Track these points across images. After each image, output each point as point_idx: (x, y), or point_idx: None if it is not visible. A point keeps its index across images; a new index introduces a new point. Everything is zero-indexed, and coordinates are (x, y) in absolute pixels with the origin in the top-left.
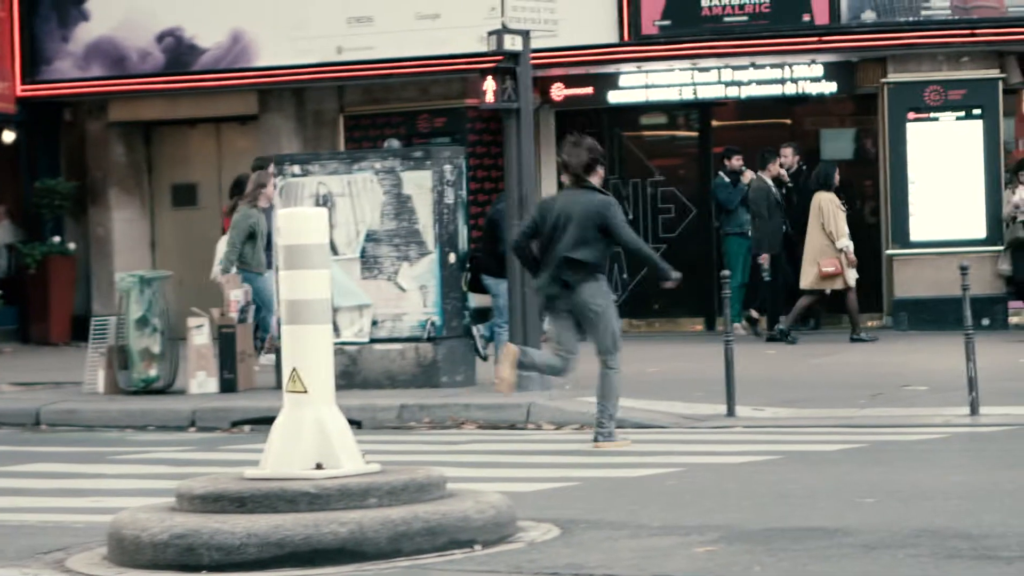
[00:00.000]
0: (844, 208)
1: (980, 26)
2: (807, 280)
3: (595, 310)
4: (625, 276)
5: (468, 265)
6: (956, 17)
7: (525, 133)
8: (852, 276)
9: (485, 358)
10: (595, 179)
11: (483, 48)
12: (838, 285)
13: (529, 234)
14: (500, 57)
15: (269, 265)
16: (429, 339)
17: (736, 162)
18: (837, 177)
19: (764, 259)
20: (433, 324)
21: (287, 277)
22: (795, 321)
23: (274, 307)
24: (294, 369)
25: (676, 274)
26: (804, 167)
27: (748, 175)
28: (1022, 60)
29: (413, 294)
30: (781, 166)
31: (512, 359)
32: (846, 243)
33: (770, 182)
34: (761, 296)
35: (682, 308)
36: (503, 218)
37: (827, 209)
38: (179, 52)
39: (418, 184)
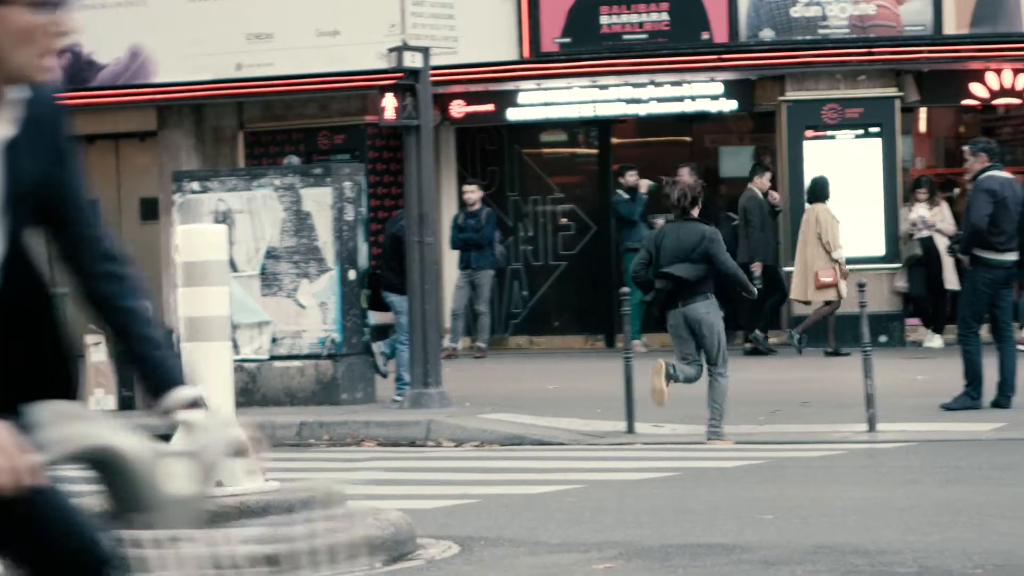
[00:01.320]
0: (838, 219)
1: (877, 45)
2: (801, 291)
3: (707, 324)
4: (525, 293)
5: (368, 282)
6: (854, 36)
7: (425, 150)
8: (844, 288)
9: (385, 375)
10: (695, 211)
11: (383, 65)
12: (832, 296)
13: (646, 263)
14: (400, 74)
15: None
16: (329, 356)
17: (631, 178)
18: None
19: (756, 267)
20: (333, 341)
21: (186, 294)
22: (808, 327)
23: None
24: None
25: (754, 290)
26: (704, 185)
27: (644, 185)
28: (919, 78)
29: (313, 311)
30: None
31: (661, 371)
32: (843, 254)
33: (760, 193)
34: (764, 312)
35: (582, 325)
36: (405, 234)
37: (824, 220)
38: (77, 68)
39: (318, 201)
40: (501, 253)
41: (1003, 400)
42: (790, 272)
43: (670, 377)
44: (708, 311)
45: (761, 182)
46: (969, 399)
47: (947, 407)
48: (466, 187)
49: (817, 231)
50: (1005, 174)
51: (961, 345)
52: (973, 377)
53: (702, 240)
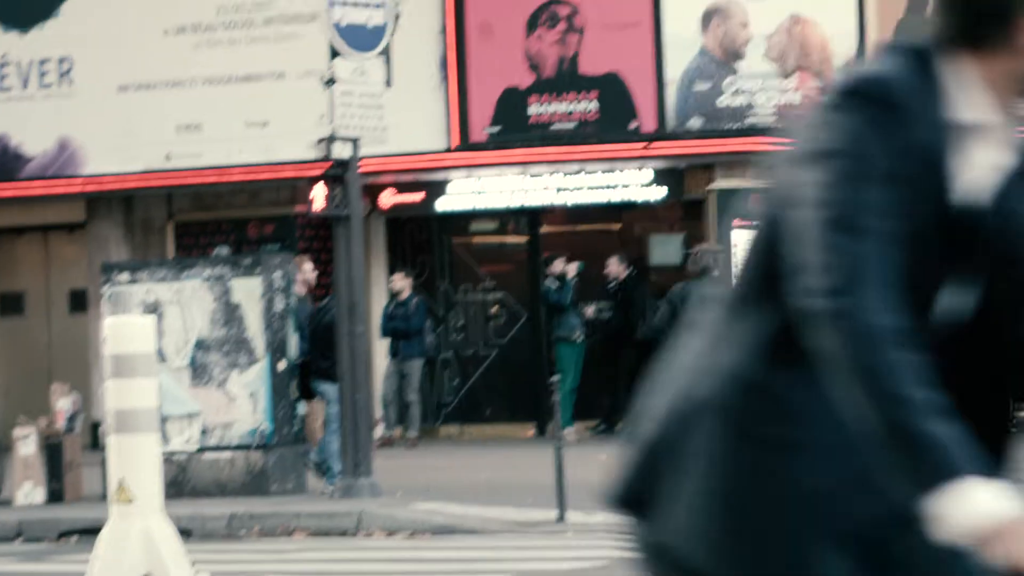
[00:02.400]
0: None
1: None
2: None
3: None
4: (456, 382)
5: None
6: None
7: (355, 240)
8: None
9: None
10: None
11: (313, 155)
12: None
13: (671, 316)
14: (329, 164)
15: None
16: (259, 447)
17: (558, 266)
18: None
19: None
20: (263, 432)
21: (114, 386)
22: None
23: None
24: (121, 479)
25: None
26: (634, 273)
27: (573, 268)
28: None
29: (243, 402)
30: (607, 276)
31: None
32: None
33: None
34: None
35: (513, 413)
36: (336, 322)
37: None
38: (5, 160)
39: (248, 292)
40: (431, 342)
41: None
42: None
43: None
44: None
45: None
46: None
47: None
48: (393, 277)
49: None
50: None
51: None
52: None
53: None
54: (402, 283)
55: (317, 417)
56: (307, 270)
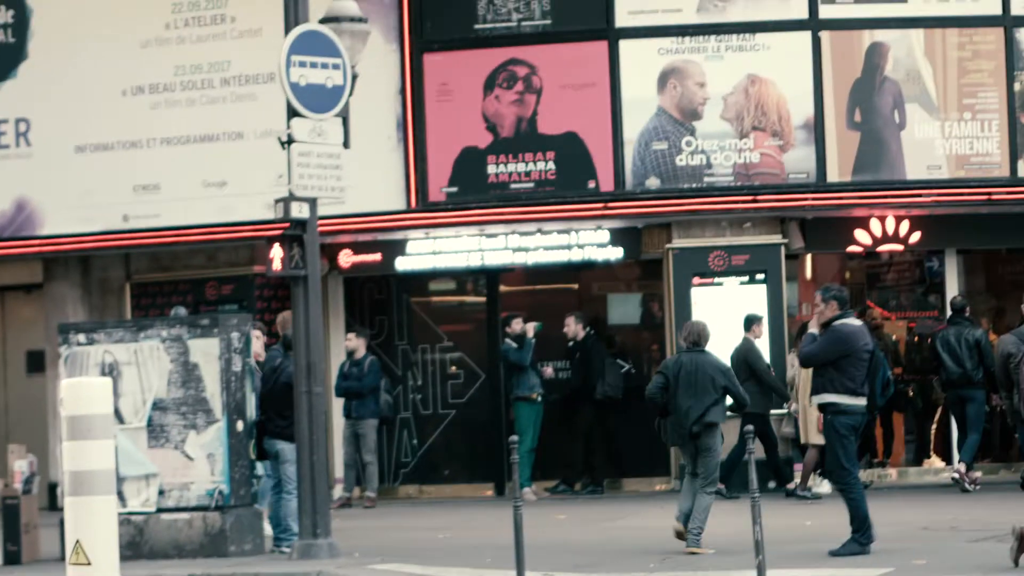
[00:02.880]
0: None
1: (762, 192)
2: (805, 435)
3: (713, 451)
4: (415, 442)
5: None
6: (738, 184)
7: (313, 300)
8: None
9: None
10: (706, 345)
11: (270, 215)
12: None
13: (664, 386)
14: (287, 224)
15: None
16: (217, 508)
17: (517, 326)
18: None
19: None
20: (221, 493)
21: (71, 448)
22: (806, 479)
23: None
24: (77, 541)
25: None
26: (592, 332)
27: (531, 328)
28: (803, 225)
29: (201, 462)
30: (565, 335)
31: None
32: None
33: (756, 343)
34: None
35: (472, 473)
36: (292, 381)
37: None
38: None
39: (205, 352)
40: (386, 402)
41: (862, 542)
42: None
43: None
44: (716, 441)
45: (756, 331)
46: (857, 545)
47: (835, 553)
48: (348, 336)
49: None
50: (856, 321)
51: (843, 492)
52: (860, 522)
53: (723, 374)
54: (356, 342)
55: None
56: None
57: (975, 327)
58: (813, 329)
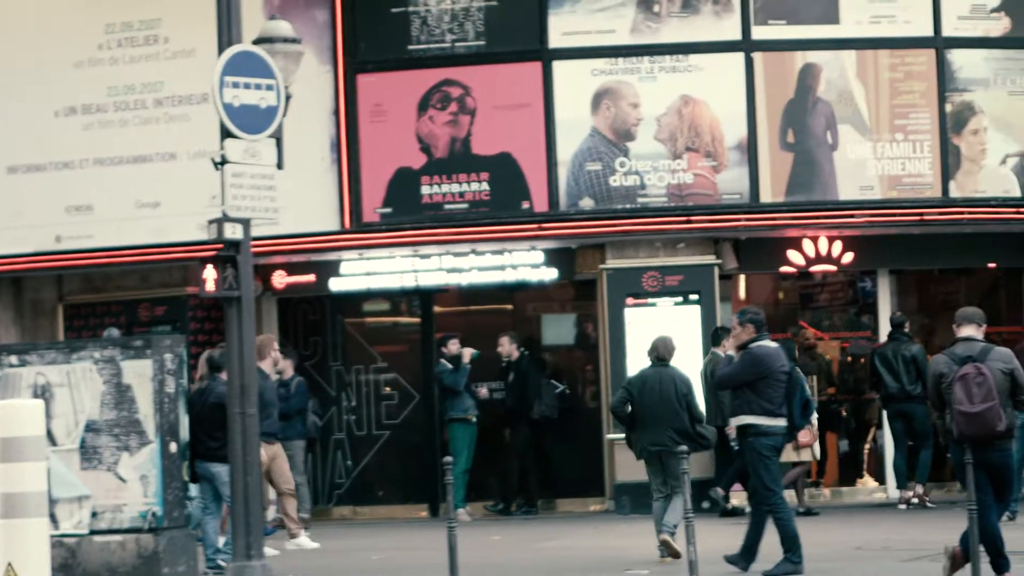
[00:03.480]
0: None
1: (695, 213)
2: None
3: (683, 478)
4: (349, 463)
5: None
6: (672, 204)
7: (246, 321)
8: (817, 448)
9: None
10: (672, 360)
11: (204, 236)
12: (807, 457)
13: (626, 400)
14: (220, 245)
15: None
16: (150, 530)
17: (453, 347)
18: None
19: (731, 430)
20: (154, 514)
21: (2, 470)
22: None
23: None
24: (9, 564)
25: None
26: (526, 353)
27: (467, 355)
28: (737, 246)
29: (134, 484)
30: (500, 355)
31: (669, 541)
32: (814, 416)
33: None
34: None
35: (407, 494)
36: (222, 402)
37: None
38: None
39: (138, 373)
40: (313, 423)
41: (743, 564)
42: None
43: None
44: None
45: (726, 345)
46: (790, 564)
47: (768, 574)
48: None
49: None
50: (772, 344)
51: (771, 514)
52: (791, 541)
53: (686, 384)
54: (282, 364)
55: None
56: (276, 348)
57: (912, 343)
58: (730, 351)
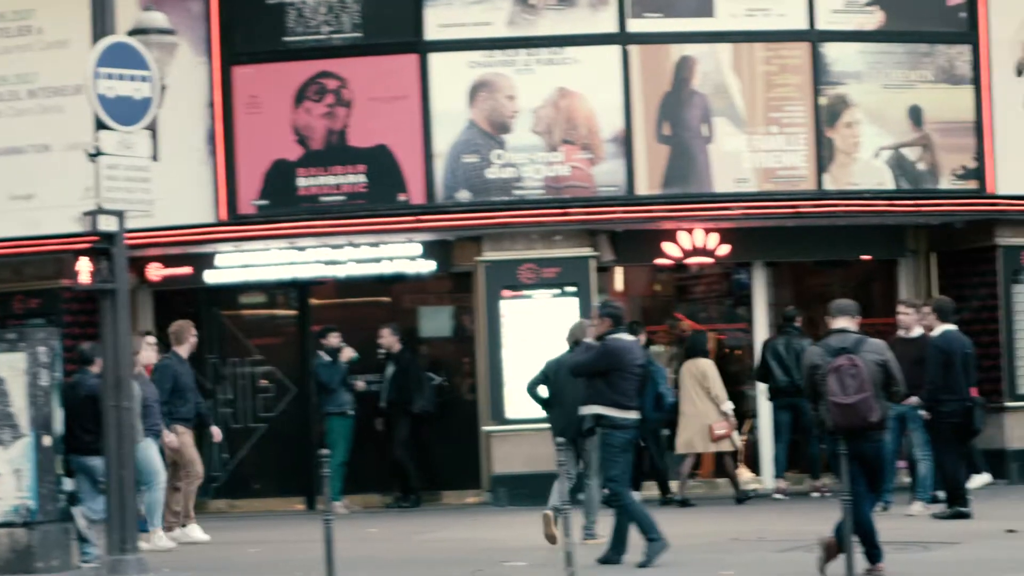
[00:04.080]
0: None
1: (572, 205)
2: (689, 444)
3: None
4: (225, 456)
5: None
6: (549, 197)
7: (121, 313)
8: (736, 437)
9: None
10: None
11: (78, 228)
12: (726, 447)
13: (539, 382)
14: (95, 238)
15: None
16: (24, 524)
17: (334, 340)
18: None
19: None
20: (28, 508)
21: None
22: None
23: (156, 478)
24: None
25: None
26: (407, 345)
27: (347, 353)
28: (613, 238)
29: (7, 478)
30: (379, 347)
31: (551, 520)
32: (731, 406)
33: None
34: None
35: (283, 488)
36: (99, 394)
37: (712, 374)
38: None
39: (11, 366)
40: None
41: (615, 557)
42: None
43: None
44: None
45: (643, 337)
46: (655, 543)
47: (643, 564)
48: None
49: (706, 386)
50: (628, 337)
51: (618, 504)
52: (646, 525)
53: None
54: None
55: None
56: (193, 334)
57: (803, 337)
58: (589, 339)
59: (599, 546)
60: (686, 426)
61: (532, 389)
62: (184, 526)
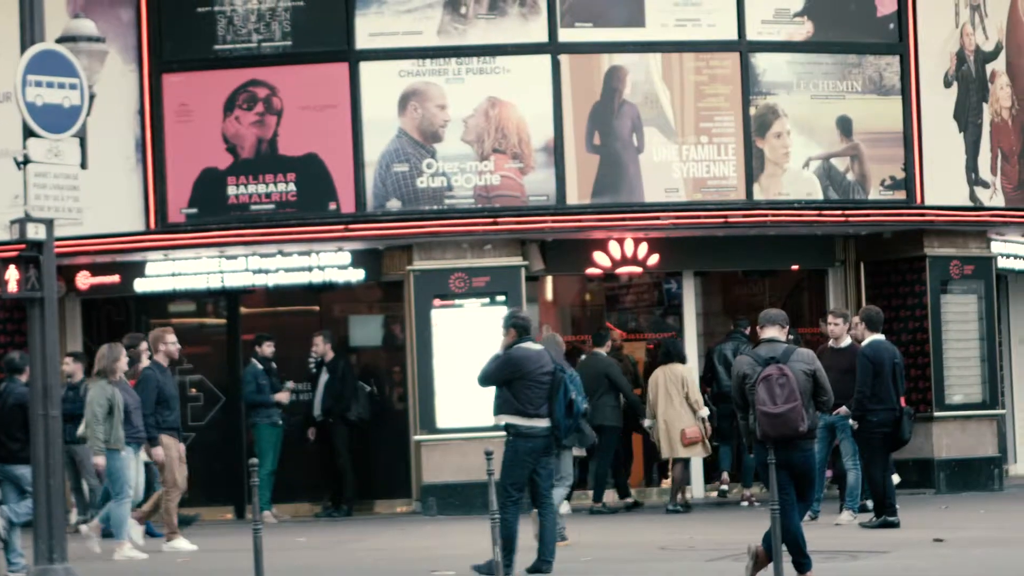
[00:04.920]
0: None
1: (502, 215)
2: (668, 449)
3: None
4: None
5: None
6: (479, 206)
7: (49, 322)
8: (708, 444)
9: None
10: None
11: (6, 236)
12: (699, 453)
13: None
14: (23, 246)
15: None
16: None
17: (267, 349)
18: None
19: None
20: None
21: None
22: (676, 493)
23: (127, 489)
24: None
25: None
26: (342, 353)
27: (284, 397)
28: (544, 248)
29: None
30: (313, 355)
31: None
32: (707, 412)
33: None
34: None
35: (212, 496)
36: (27, 402)
37: (690, 380)
38: None
39: None
40: None
41: (544, 566)
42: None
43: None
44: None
45: (608, 347)
46: (499, 565)
47: (479, 569)
48: (65, 359)
49: (685, 391)
50: (535, 346)
51: (500, 512)
52: (507, 545)
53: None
54: (72, 367)
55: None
56: (169, 341)
57: (751, 343)
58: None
59: (567, 547)
60: (666, 431)
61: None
62: (168, 540)
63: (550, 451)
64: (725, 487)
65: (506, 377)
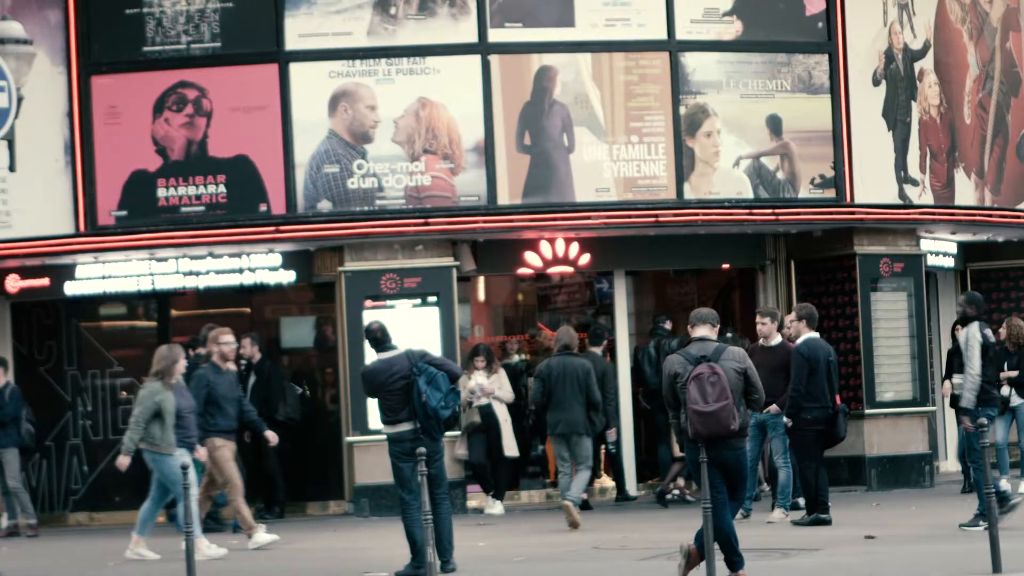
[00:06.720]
0: None
1: (433, 215)
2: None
3: (584, 443)
4: (85, 468)
5: None
6: (410, 207)
7: None
8: None
9: None
10: (576, 348)
11: None
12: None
13: (543, 391)
14: None
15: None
16: None
17: (204, 351)
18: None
19: (612, 433)
20: None
21: None
22: (672, 480)
23: (178, 489)
24: None
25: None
26: (268, 354)
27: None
28: (475, 248)
29: None
30: (240, 355)
31: (569, 509)
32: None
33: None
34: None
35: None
36: None
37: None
38: None
39: None
40: (27, 431)
41: (444, 566)
42: None
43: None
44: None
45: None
46: (411, 568)
47: (399, 573)
48: None
49: None
50: (387, 354)
51: (401, 515)
52: (414, 547)
53: (587, 375)
54: None
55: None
56: (223, 342)
57: (674, 338)
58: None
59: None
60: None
61: (538, 399)
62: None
63: (434, 454)
64: (677, 492)
65: (368, 393)
